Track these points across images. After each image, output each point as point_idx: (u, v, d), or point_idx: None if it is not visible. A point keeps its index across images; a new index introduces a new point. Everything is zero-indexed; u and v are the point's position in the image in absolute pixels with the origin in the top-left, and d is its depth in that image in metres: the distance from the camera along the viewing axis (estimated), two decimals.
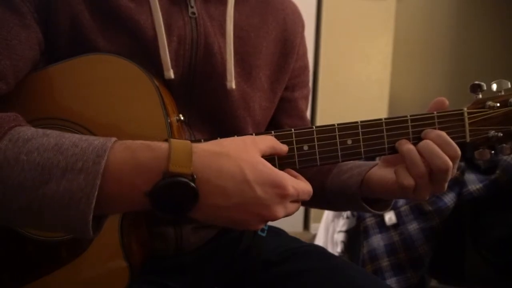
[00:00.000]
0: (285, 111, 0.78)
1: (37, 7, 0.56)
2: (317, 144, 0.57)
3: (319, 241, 1.80)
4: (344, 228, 1.65)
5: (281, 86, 0.75)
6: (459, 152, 0.57)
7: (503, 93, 0.61)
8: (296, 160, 0.56)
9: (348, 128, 0.58)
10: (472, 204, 1.42)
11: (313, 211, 2.61)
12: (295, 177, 0.53)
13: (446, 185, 0.58)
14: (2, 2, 0.55)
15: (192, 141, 0.48)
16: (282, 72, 0.74)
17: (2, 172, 0.42)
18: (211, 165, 0.46)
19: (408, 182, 0.57)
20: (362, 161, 0.68)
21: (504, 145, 0.61)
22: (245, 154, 0.48)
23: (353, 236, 1.63)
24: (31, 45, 0.56)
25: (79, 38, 0.59)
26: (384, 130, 0.59)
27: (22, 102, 0.56)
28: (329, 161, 0.58)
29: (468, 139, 0.61)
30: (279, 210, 0.49)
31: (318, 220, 2.01)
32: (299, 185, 0.51)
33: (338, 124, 0.58)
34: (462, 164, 1.47)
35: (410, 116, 0.59)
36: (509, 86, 0.60)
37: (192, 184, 0.44)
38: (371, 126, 0.58)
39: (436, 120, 0.60)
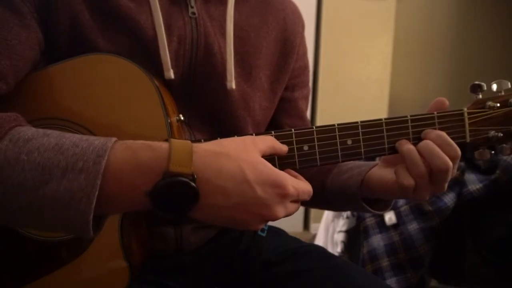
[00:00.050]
0: (285, 111, 0.78)
1: (37, 7, 0.56)
2: (317, 144, 0.57)
3: (319, 241, 1.80)
4: (344, 228, 1.65)
5: (281, 86, 0.75)
6: (459, 152, 0.57)
7: (503, 93, 0.61)
8: (296, 160, 0.56)
9: (348, 128, 0.58)
10: (472, 204, 1.42)
11: (313, 211, 2.61)
12: (295, 177, 0.53)
13: (446, 185, 0.58)
14: (2, 2, 0.55)
15: (192, 141, 0.48)
16: (282, 72, 0.74)
17: (2, 172, 0.42)
18: (211, 165, 0.46)
19: (408, 182, 0.57)
20: (362, 161, 0.68)
21: (504, 145, 0.61)
22: (245, 154, 0.48)
23: (353, 236, 1.63)
24: (31, 45, 0.56)
25: (79, 38, 0.59)
26: (384, 130, 0.59)
27: (22, 102, 0.56)
28: (329, 161, 0.58)
29: (468, 139, 0.61)
30: (280, 210, 0.49)
31: (318, 220, 2.01)
32: (299, 185, 0.51)
33: (338, 124, 0.58)
34: (462, 164, 1.47)
35: (410, 116, 0.59)
36: (509, 86, 0.60)
37: (193, 184, 0.45)
38: (371, 126, 0.58)
39: (436, 120, 0.60)
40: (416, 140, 0.59)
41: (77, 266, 0.58)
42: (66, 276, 0.58)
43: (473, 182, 1.41)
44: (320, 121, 2.55)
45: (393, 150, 0.59)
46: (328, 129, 0.57)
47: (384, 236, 1.50)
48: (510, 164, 1.34)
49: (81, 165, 0.42)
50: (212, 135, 0.64)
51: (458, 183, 1.43)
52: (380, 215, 1.50)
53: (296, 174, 0.55)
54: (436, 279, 1.63)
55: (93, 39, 0.59)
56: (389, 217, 1.49)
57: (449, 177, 0.57)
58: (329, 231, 1.76)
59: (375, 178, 0.64)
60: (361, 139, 0.58)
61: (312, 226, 2.60)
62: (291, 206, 0.51)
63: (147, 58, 0.60)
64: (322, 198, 0.74)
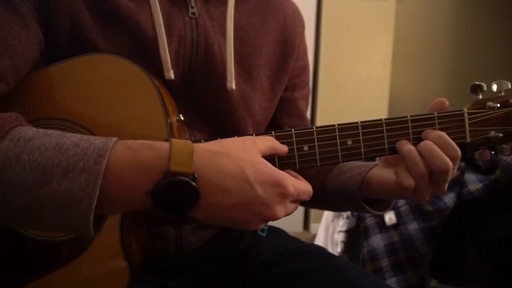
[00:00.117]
0: (285, 111, 0.78)
1: (37, 7, 0.56)
2: (317, 145, 0.57)
3: (319, 241, 1.80)
4: (344, 228, 1.65)
5: (281, 86, 0.75)
6: (459, 152, 0.57)
7: (503, 93, 0.61)
8: (296, 160, 0.56)
9: (348, 129, 0.58)
10: (472, 204, 1.42)
11: (313, 211, 2.61)
12: (295, 177, 0.53)
13: (446, 185, 0.58)
14: (2, 2, 0.55)
15: (193, 141, 0.48)
16: (282, 72, 0.74)
17: (3, 172, 0.42)
18: (211, 164, 0.46)
19: (408, 182, 0.57)
20: (362, 162, 0.68)
21: (504, 145, 0.61)
22: (245, 154, 0.48)
23: (353, 236, 1.63)
24: (31, 45, 0.56)
25: (79, 38, 0.59)
26: (384, 130, 0.59)
27: (22, 102, 0.56)
28: (329, 161, 0.58)
29: (468, 139, 0.61)
30: (280, 209, 0.49)
31: (318, 220, 2.01)
32: (299, 184, 0.51)
33: (338, 125, 0.58)
34: (462, 164, 1.47)
35: (411, 116, 0.59)
36: (509, 86, 0.60)
37: (193, 183, 0.45)
38: (371, 126, 0.58)
39: (436, 121, 0.60)
40: (416, 140, 0.59)
41: (77, 266, 0.58)
42: (66, 276, 0.58)
43: (473, 182, 1.41)
44: (320, 121, 2.55)
45: (393, 151, 0.59)
46: (328, 129, 0.57)
47: (384, 236, 1.50)
48: (510, 164, 1.34)
49: (81, 165, 0.42)
50: (212, 135, 0.64)
51: (458, 183, 1.43)
52: (380, 215, 1.50)
53: (296, 174, 0.55)
54: (436, 279, 1.63)
55: (93, 39, 0.59)
56: (389, 217, 1.49)
57: (449, 178, 0.57)
58: (329, 231, 1.76)
59: (375, 179, 0.64)
60: (361, 139, 0.58)
61: (312, 226, 2.60)
62: (291, 206, 0.51)
63: (147, 58, 0.60)
64: (322, 198, 0.74)
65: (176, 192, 0.44)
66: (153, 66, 0.61)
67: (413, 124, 0.59)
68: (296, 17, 0.76)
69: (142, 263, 0.63)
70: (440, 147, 0.56)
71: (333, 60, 2.52)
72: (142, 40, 0.60)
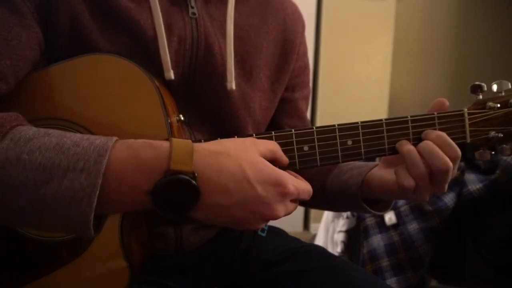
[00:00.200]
0: (285, 111, 0.78)
1: (37, 7, 0.56)
2: (318, 145, 0.57)
3: (319, 241, 1.80)
4: (344, 228, 1.65)
5: (281, 86, 0.75)
6: (459, 152, 0.57)
7: (503, 93, 0.61)
8: (297, 160, 0.56)
9: (348, 129, 0.58)
10: (472, 204, 1.42)
11: (313, 211, 2.61)
12: (295, 177, 0.53)
13: (446, 185, 0.58)
14: (2, 2, 0.55)
15: (193, 141, 0.48)
16: (282, 72, 0.74)
17: (3, 171, 0.42)
18: (211, 164, 0.46)
19: (408, 182, 0.57)
20: (363, 162, 0.68)
21: (505, 145, 0.61)
22: (245, 154, 0.48)
23: (353, 236, 1.63)
24: (31, 45, 0.56)
25: (79, 38, 0.58)
26: (385, 130, 0.59)
27: (22, 102, 0.56)
28: (329, 161, 0.58)
29: (468, 139, 0.61)
30: (280, 208, 0.49)
31: (318, 220, 2.01)
32: (299, 184, 0.51)
33: (338, 125, 0.58)
34: (462, 164, 1.47)
35: (411, 116, 0.59)
36: (510, 86, 0.60)
37: (194, 182, 0.45)
38: (371, 126, 0.58)
39: (436, 121, 0.60)
40: (416, 140, 0.59)
41: (77, 266, 0.58)
42: (66, 276, 0.58)
43: (473, 182, 1.41)
44: (320, 121, 2.55)
45: (393, 151, 0.59)
46: (328, 130, 0.57)
47: (384, 236, 1.50)
48: (510, 164, 1.35)
49: (82, 165, 0.42)
50: (212, 135, 0.64)
51: (458, 183, 1.43)
52: (380, 215, 1.50)
53: (295, 174, 0.55)
54: (436, 279, 1.63)
55: (93, 39, 0.59)
56: (389, 217, 1.49)
57: (450, 178, 0.57)
58: (329, 231, 1.76)
59: (376, 179, 0.64)
60: (361, 139, 0.58)
61: (312, 226, 2.60)
62: (291, 206, 0.51)
63: (147, 58, 0.60)
64: (322, 198, 0.74)
65: (177, 191, 0.44)
66: (153, 66, 0.61)
67: (413, 124, 0.59)
68: (296, 17, 0.76)
69: (142, 263, 0.63)
70: (440, 147, 0.56)
71: (333, 60, 2.52)
72: (142, 40, 0.60)
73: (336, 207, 0.82)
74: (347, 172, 0.70)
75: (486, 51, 3.03)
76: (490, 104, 0.60)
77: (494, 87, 0.61)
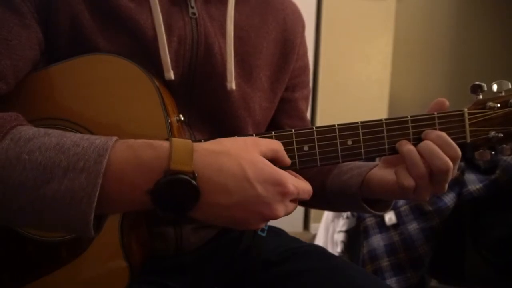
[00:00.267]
0: (285, 111, 0.78)
1: (37, 7, 0.56)
2: (318, 145, 0.57)
3: (319, 241, 1.80)
4: (344, 228, 1.65)
5: (281, 86, 0.74)
6: (459, 152, 0.57)
7: (503, 93, 0.61)
8: (297, 160, 0.56)
9: (348, 129, 0.58)
10: (472, 204, 1.42)
11: (313, 211, 2.61)
12: (295, 177, 0.53)
13: (446, 185, 0.58)
14: (2, 2, 0.55)
15: (193, 141, 0.48)
16: (282, 72, 0.74)
17: (3, 171, 0.42)
18: (211, 163, 0.46)
19: (408, 182, 0.57)
20: (363, 162, 0.68)
21: (505, 145, 0.61)
22: (245, 153, 0.48)
23: (353, 236, 1.63)
24: (31, 45, 0.56)
25: (79, 38, 0.58)
26: (385, 130, 0.59)
27: (22, 102, 0.56)
28: (329, 161, 0.58)
29: (468, 139, 0.61)
30: (280, 208, 0.49)
31: (318, 220, 2.01)
32: (299, 183, 0.51)
33: (338, 125, 0.58)
34: (462, 164, 1.47)
35: (411, 116, 0.59)
36: (510, 86, 0.60)
37: (194, 182, 0.44)
38: (371, 126, 0.58)
39: (436, 121, 0.60)
40: (417, 140, 0.59)
41: (77, 266, 0.58)
42: (66, 276, 0.58)
43: (473, 182, 1.41)
44: (320, 121, 2.55)
45: (393, 151, 0.59)
46: (328, 130, 0.57)
47: (384, 236, 1.50)
48: (510, 164, 1.35)
49: (82, 165, 0.42)
50: (212, 135, 0.64)
51: (458, 183, 1.43)
52: (380, 215, 1.50)
53: (296, 174, 0.55)
54: (436, 279, 1.63)
55: (93, 39, 0.59)
56: (389, 217, 1.49)
57: (450, 178, 0.57)
58: (329, 231, 1.76)
59: (376, 179, 0.64)
60: (361, 139, 0.58)
61: (312, 226, 2.60)
62: (291, 205, 0.51)
63: (147, 58, 0.60)
64: (322, 198, 0.74)
65: (177, 191, 0.44)
66: (153, 66, 0.61)
67: (413, 124, 0.59)
68: (296, 17, 0.76)
69: (142, 263, 0.63)
70: (440, 147, 0.56)
71: (333, 60, 2.52)
72: (142, 40, 0.60)
73: (336, 207, 0.82)
74: (347, 172, 0.70)
75: (486, 51, 3.03)
76: (490, 104, 0.60)
77: (494, 87, 0.61)
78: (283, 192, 0.48)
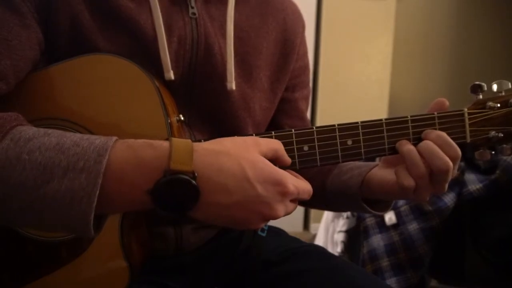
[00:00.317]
0: (285, 111, 0.78)
1: (37, 7, 0.56)
2: (317, 145, 0.57)
3: (319, 241, 1.80)
4: (344, 228, 1.65)
5: (281, 86, 0.74)
6: (459, 152, 0.57)
7: (503, 93, 0.61)
8: (297, 160, 0.56)
9: (348, 129, 0.58)
10: (472, 204, 1.42)
11: (313, 211, 2.61)
12: (295, 176, 0.53)
13: (446, 185, 0.58)
14: (2, 2, 0.55)
15: (193, 141, 0.48)
16: (282, 73, 0.74)
17: (3, 171, 0.42)
18: (212, 163, 0.46)
19: (408, 182, 0.57)
20: (363, 162, 0.68)
21: (505, 145, 0.61)
22: (245, 153, 0.48)
23: (353, 236, 1.63)
24: (31, 45, 0.56)
25: (79, 38, 0.59)
26: (385, 130, 0.59)
27: (22, 102, 0.56)
28: (329, 161, 0.58)
29: (468, 139, 0.61)
30: (280, 208, 0.49)
31: (318, 220, 2.01)
32: (299, 183, 0.51)
33: (338, 125, 0.58)
34: (462, 164, 1.47)
35: (411, 116, 0.59)
36: (510, 86, 0.60)
37: (194, 182, 0.44)
38: (371, 126, 0.58)
39: (436, 121, 0.60)
40: (416, 140, 0.59)
41: (77, 266, 0.58)
42: (66, 276, 0.58)
43: (473, 182, 1.41)
44: (320, 121, 2.55)
45: (393, 151, 0.59)
46: (328, 130, 0.57)
47: (384, 236, 1.50)
48: (510, 164, 1.34)
49: (82, 165, 0.42)
50: (212, 135, 0.64)
51: (458, 183, 1.43)
52: (380, 215, 1.50)
53: (296, 174, 0.55)
54: (436, 279, 1.63)
55: (93, 39, 0.59)
56: (389, 217, 1.49)
57: (450, 178, 0.57)
58: (329, 231, 1.76)
59: (376, 179, 0.64)
60: (361, 139, 0.58)
61: (312, 226, 2.60)
62: (291, 205, 0.51)
63: (147, 58, 0.60)
64: (322, 199, 0.74)
65: (176, 191, 0.44)
66: (153, 66, 0.61)
67: (413, 124, 0.59)
68: (296, 17, 0.76)
69: (142, 263, 0.63)
70: (440, 147, 0.56)
71: (333, 60, 2.52)
72: (142, 40, 0.60)
73: (336, 207, 0.82)
74: (347, 172, 0.70)
75: (486, 51, 3.03)
76: (490, 104, 0.60)
77: (494, 87, 0.61)
78: (283, 192, 0.48)
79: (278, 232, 0.81)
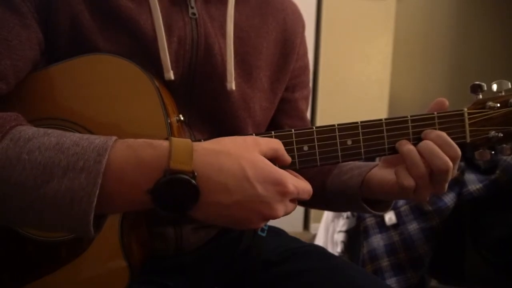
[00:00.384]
0: (285, 112, 0.78)
1: (37, 7, 0.56)
2: (317, 145, 0.57)
3: (319, 241, 1.80)
4: (344, 228, 1.65)
5: (281, 86, 0.75)
6: (459, 152, 0.57)
7: (503, 93, 0.61)
8: (296, 160, 0.56)
9: (348, 129, 0.58)
10: (472, 204, 1.42)
11: (313, 211, 2.61)
12: (295, 176, 0.53)
13: (446, 185, 0.58)
14: (2, 2, 0.55)
15: (193, 141, 0.48)
16: (282, 73, 0.74)
17: (3, 171, 0.42)
18: (211, 162, 0.46)
19: (408, 182, 0.57)
20: (363, 162, 0.68)
21: (504, 145, 0.61)
22: (245, 153, 0.48)
23: (353, 236, 1.63)
24: (31, 45, 0.56)
25: (79, 38, 0.59)
26: (384, 130, 0.59)
27: (22, 102, 0.56)
28: (329, 161, 0.58)
29: (468, 139, 0.61)
30: (280, 208, 0.49)
31: (318, 220, 2.01)
32: (299, 183, 0.51)
33: (338, 125, 0.58)
34: (462, 164, 1.47)
35: (411, 116, 0.59)
36: (510, 86, 0.60)
37: (193, 182, 0.45)
38: (371, 126, 0.58)
39: (436, 121, 0.60)
40: (416, 140, 0.59)
41: (77, 266, 0.58)
42: (66, 276, 0.58)
43: (473, 182, 1.41)
44: (320, 121, 2.55)
45: (393, 151, 0.59)
46: (328, 129, 0.57)
47: (384, 236, 1.50)
48: (510, 164, 1.34)
49: (82, 164, 0.42)
50: (212, 136, 0.64)
51: (458, 183, 1.43)
52: (380, 215, 1.50)
53: (296, 173, 0.55)
54: (436, 279, 1.63)
55: (93, 39, 0.59)
56: (389, 217, 1.49)
57: (450, 178, 0.57)
58: (329, 231, 1.76)
59: (376, 179, 0.64)
60: (361, 139, 0.58)
61: (312, 226, 2.60)
62: (291, 205, 0.51)
63: (147, 58, 0.60)
64: (322, 199, 0.74)
65: (176, 191, 0.44)
66: (153, 66, 0.61)
67: (413, 124, 0.59)
68: (296, 17, 0.76)
69: (142, 263, 0.63)
70: (440, 147, 0.56)
71: (333, 60, 2.52)
72: (142, 40, 0.60)
73: (336, 207, 0.82)
74: (347, 172, 0.70)
75: (486, 51, 3.03)
76: (490, 103, 0.60)
77: (494, 87, 0.61)
78: (283, 192, 0.48)
79: (278, 232, 0.81)
